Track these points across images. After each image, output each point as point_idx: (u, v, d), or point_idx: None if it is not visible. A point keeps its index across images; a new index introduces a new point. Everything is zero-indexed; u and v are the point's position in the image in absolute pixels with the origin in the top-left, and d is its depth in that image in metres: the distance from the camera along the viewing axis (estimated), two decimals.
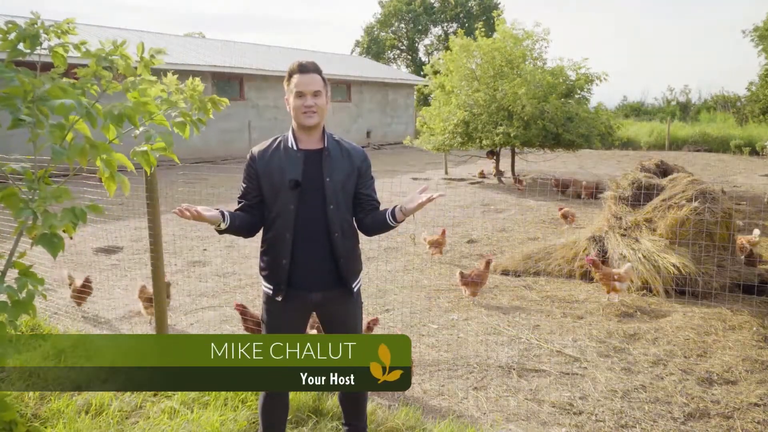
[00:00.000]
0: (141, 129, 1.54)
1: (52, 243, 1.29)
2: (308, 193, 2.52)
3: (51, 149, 1.27)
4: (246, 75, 20.28)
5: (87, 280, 5.27)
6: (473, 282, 5.43)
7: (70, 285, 5.33)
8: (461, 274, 5.50)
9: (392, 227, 2.58)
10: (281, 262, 2.55)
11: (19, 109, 1.25)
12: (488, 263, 5.64)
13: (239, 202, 2.64)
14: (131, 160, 1.56)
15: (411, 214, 2.51)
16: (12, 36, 1.31)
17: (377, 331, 4.08)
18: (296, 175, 2.51)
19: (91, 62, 1.41)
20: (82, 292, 5.22)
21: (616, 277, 5.38)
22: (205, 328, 4.93)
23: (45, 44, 1.36)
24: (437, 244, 6.85)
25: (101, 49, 1.39)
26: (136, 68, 1.41)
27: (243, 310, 4.41)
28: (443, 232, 6.98)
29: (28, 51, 1.30)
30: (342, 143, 2.63)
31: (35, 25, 1.30)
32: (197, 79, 1.66)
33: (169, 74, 1.62)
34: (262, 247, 2.66)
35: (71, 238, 1.47)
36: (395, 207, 2.53)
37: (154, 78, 1.54)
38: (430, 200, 2.43)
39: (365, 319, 4.06)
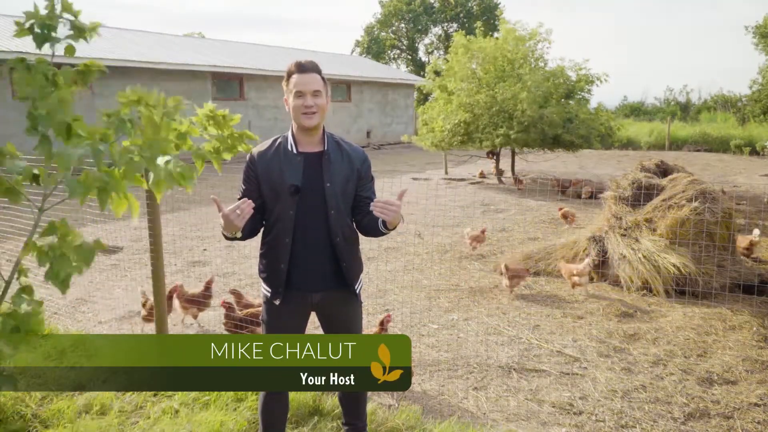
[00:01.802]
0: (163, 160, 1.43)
1: (65, 285, 1.30)
2: (308, 198, 2.49)
3: (67, 183, 1.25)
4: (246, 75, 20.27)
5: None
6: (517, 276, 5.67)
7: (144, 304, 4.73)
8: (506, 267, 5.72)
9: (384, 234, 2.54)
10: (280, 267, 2.53)
11: (39, 121, 1.23)
12: (527, 270, 5.95)
13: None
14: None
15: (397, 224, 2.45)
16: (29, 24, 1.28)
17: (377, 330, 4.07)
18: (296, 180, 2.47)
19: (119, 110, 1.36)
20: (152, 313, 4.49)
21: (575, 272, 5.63)
22: (205, 328, 4.93)
23: (60, 32, 1.33)
24: (478, 240, 7.24)
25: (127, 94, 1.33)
26: (158, 124, 1.33)
27: (229, 307, 4.44)
28: (483, 230, 7.39)
29: (44, 41, 1.28)
30: (342, 144, 2.60)
31: (52, 12, 1.27)
32: (237, 116, 1.55)
33: (207, 105, 1.54)
34: (261, 249, 2.64)
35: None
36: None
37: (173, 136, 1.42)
38: (393, 206, 2.34)
39: (378, 318, 4.07)
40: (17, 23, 1.27)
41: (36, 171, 1.29)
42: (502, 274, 5.79)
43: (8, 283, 1.31)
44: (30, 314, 1.27)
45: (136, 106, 1.31)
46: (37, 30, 1.25)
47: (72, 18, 1.28)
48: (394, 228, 2.48)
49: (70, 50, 1.30)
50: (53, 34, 1.28)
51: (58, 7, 1.27)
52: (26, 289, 1.32)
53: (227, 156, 1.55)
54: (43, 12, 1.26)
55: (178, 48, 21.15)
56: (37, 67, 1.24)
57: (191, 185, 1.34)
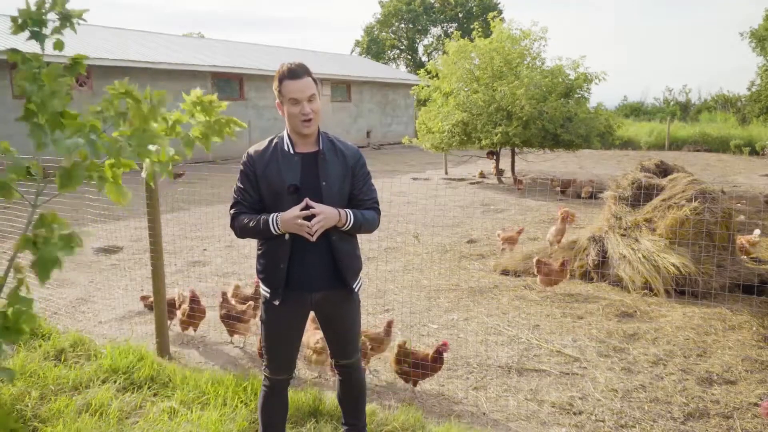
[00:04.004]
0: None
1: (46, 272, 1.27)
2: (306, 197, 2.49)
3: (58, 175, 1.26)
4: (246, 75, 20.28)
5: (193, 295, 4.57)
6: (551, 279, 5.71)
7: (178, 307, 4.64)
8: (538, 262, 5.81)
9: (348, 231, 2.59)
10: (279, 266, 2.54)
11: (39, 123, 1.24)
12: (564, 263, 5.85)
13: (238, 205, 2.59)
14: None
15: (340, 225, 2.51)
16: (21, 21, 1.29)
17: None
18: (295, 180, 2.49)
19: (106, 102, 1.39)
20: (192, 317, 4.57)
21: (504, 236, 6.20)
22: (204, 328, 4.92)
23: (50, 26, 1.33)
24: (511, 241, 7.13)
25: (114, 87, 1.36)
26: (146, 115, 1.37)
27: (224, 298, 4.53)
28: (519, 231, 7.29)
29: (37, 29, 1.28)
30: (336, 143, 2.61)
31: (41, 8, 1.28)
32: (224, 103, 1.61)
33: (194, 91, 1.57)
34: (259, 249, 2.64)
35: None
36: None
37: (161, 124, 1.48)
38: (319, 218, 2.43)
39: (379, 318, 4.07)
40: (12, 19, 1.27)
41: (27, 165, 1.29)
42: (535, 272, 5.87)
43: (4, 280, 1.30)
44: (20, 312, 1.26)
45: (124, 98, 1.33)
46: (30, 27, 1.26)
47: (61, 10, 1.29)
48: (343, 226, 2.52)
49: (59, 45, 1.30)
50: (43, 30, 1.28)
51: (48, 3, 1.27)
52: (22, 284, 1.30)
53: (217, 139, 1.57)
54: (34, 8, 1.26)
55: (178, 48, 21.15)
56: (31, 61, 1.25)
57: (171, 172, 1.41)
